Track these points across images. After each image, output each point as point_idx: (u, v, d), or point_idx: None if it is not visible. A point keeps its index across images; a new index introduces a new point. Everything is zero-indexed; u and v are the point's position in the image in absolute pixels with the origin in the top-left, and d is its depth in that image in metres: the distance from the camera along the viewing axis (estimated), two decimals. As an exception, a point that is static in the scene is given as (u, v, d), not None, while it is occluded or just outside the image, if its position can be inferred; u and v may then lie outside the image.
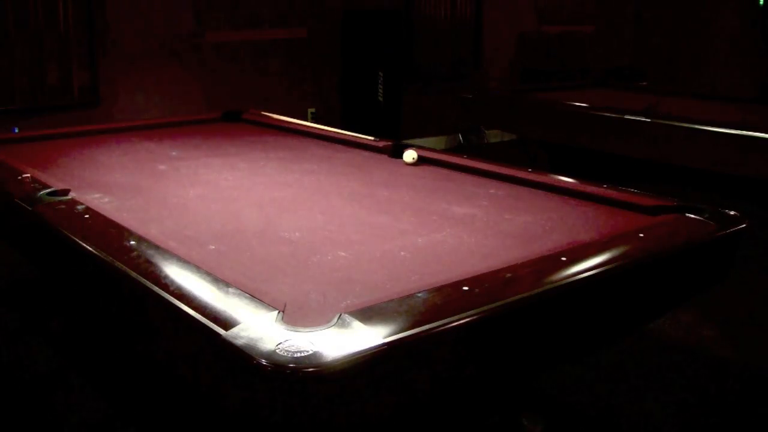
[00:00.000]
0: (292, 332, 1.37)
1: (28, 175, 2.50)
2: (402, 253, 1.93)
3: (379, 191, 2.58)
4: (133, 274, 1.70)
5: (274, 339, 1.34)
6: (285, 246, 1.99)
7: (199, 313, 1.47)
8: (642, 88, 5.95)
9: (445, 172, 2.87)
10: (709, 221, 2.14)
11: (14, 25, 5.03)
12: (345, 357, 1.30)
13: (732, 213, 2.19)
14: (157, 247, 1.84)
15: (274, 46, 6.27)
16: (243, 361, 1.31)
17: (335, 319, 1.42)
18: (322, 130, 3.59)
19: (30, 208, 2.22)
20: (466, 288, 1.60)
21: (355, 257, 1.90)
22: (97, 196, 2.41)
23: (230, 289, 1.58)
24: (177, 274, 1.69)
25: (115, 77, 5.50)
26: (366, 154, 3.17)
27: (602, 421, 2.73)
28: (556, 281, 1.71)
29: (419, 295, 1.56)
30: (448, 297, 1.57)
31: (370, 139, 3.27)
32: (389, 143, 3.16)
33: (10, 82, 5.08)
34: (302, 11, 6.37)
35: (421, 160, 2.96)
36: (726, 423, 2.74)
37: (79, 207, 2.19)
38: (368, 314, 1.45)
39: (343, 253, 1.92)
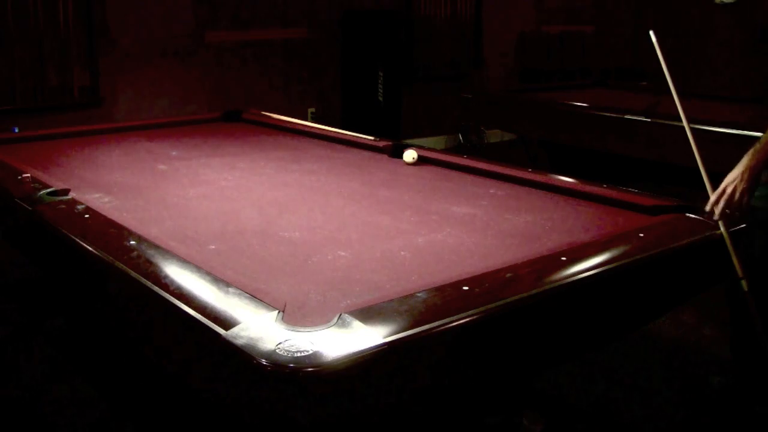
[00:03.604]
0: (292, 332, 1.38)
1: (28, 175, 2.50)
2: (402, 253, 1.93)
3: (379, 191, 2.58)
4: (133, 274, 1.70)
5: (274, 339, 1.34)
6: (285, 246, 1.99)
7: (199, 313, 1.47)
8: (642, 88, 5.95)
9: (445, 172, 2.87)
10: (709, 221, 2.14)
11: (14, 26, 5.03)
12: (345, 357, 1.30)
13: (732, 213, 2.19)
14: (157, 247, 1.84)
15: (274, 46, 6.26)
16: (243, 360, 1.31)
17: (335, 319, 1.42)
18: (322, 130, 3.59)
19: (30, 208, 2.22)
20: (466, 288, 1.60)
21: (355, 257, 1.90)
22: (97, 196, 2.41)
23: (230, 289, 1.58)
24: (177, 274, 1.69)
25: (115, 77, 5.50)
26: (366, 154, 3.17)
27: (602, 421, 2.73)
28: (556, 281, 1.71)
29: (419, 295, 1.56)
30: (448, 297, 1.57)
31: (370, 139, 3.27)
32: (389, 143, 3.16)
33: (10, 82, 5.08)
34: (302, 11, 6.36)
35: (421, 160, 2.96)
36: (726, 423, 2.74)
37: (79, 207, 2.19)
38: (368, 314, 1.45)
39: (343, 253, 1.92)
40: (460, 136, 7.48)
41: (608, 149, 4.80)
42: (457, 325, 1.46)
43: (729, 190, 2.21)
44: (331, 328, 1.40)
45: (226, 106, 4.21)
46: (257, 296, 1.54)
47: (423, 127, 7.11)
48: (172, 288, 1.60)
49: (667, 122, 4.30)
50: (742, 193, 2.22)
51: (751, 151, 2.31)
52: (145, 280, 1.66)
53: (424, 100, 7.18)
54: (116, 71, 5.50)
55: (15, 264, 3.38)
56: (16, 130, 3.62)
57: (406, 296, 1.55)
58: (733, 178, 2.25)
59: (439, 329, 1.43)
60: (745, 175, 2.25)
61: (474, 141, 7.49)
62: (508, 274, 1.71)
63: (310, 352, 1.30)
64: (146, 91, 5.65)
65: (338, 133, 3.51)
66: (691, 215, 2.20)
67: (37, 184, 2.40)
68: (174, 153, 3.15)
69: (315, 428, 1.31)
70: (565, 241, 1.98)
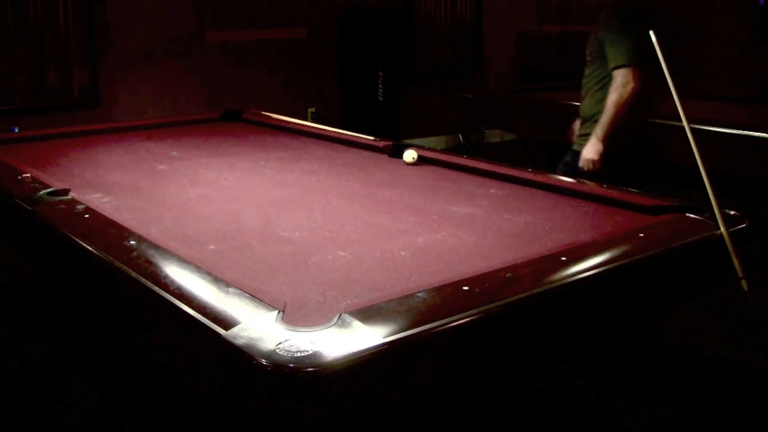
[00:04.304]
0: (292, 332, 1.38)
1: (28, 175, 2.50)
2: (402, 253, 1.93)
3: (379, 191, 2.58)
4: (133, 274, 1.70)
5: (274, 339, 1.34)
6: (285, 246, 1.99)
7: (199, 313, 1.47)
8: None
9: (445, 172, 2.87)
10: (709, 221, 2.14)
11: (14, 25, 5.03)
12: (345, 357, 1.30)
13: (732, 213, 2.19)
14: (157, 247, 1.84)
15: (274, 46, 6.26)
16: (243, 360, 1.31)
17: (335, 319, 1.42)
18: (322, 130, 3.59)
19: (30, 208, 2.22)
20: (466, 288, 1.60)
21: (355, 257, 1.90)
22: (97, 196, 2.41)
23: (230, 289, 1.58)
24: (177, 274, 1.69)
25: (115, 77, 5.50)
26: (366, 154, 3.17)
27: (601, 421, 2.73)
28: (556, 281, 1.71)
29: (419, 294, 1.56)
30: (448, 297, 1.57)
31: (370, 139, 3.27)
32: (389, 143, 3.16)
33: (10, 82, 5.08)
34: (302, 11, 6.36)
35: (421, 160, 2.96)
36: (726, 423, 2.74)
37: (79, 207, 2.19)
38: (368, 314, 1.45)
39: (343, 253, 1.92)
40: (460, 136, 7.48)
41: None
42: (457, 325, 1.46)
43: (589, 164, 3.18)
44: (331, 328, 1.39)
45: (226, 106, 4.21)
46: (257, 296, 1.54)
47: (423, 127, 7.10)
48: (172, 288, 1.60)
49: (667, 122, 4.30)
50: (593, 162, 3.17)
51: (594, 137, 3.18)
52: (145, 280, 1.66)
53: (424, 100, 7.17)
54: (116, 71, 5.50)
55: (15, 264, 3.38)
56: (16, 130, 3.62)
57: (406, 296, 1.55)
58: (586, 155, 3.19)
59: (439, 329, 1.43)
60: (596, 149, 3.18)
61: (474, 141, 7.49)
62: (508, 274, 1.71)
63: (310, 352, 1.30)
64: (146, 91, 5.65)
65: (338, 133, 3.51)
66: (691, 215, 2.20)
67: (37, 184, 2.40)
68: (174, 153, 3.15)
69: (315, 428, 1.31)
70: (565, 241, 1.98)
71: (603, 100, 3.18)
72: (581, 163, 3.20)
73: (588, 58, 3.35)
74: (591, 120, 3.30)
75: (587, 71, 3.35)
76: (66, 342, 3.27)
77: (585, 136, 3.31)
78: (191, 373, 1.62)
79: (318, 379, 1.27)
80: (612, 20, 3.17)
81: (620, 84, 3.09)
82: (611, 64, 3.14)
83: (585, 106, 3.37)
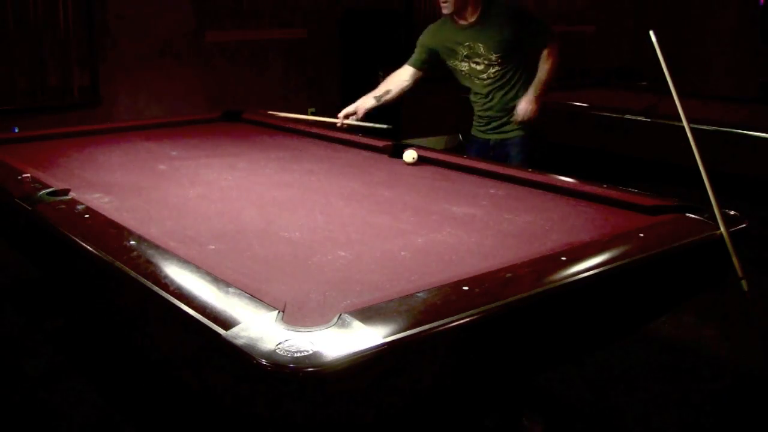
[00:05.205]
0: (292, 332, 1.38)
1: (28, 175, 2.50)
2: (402, 253, 1.93)
3: (379, 191, 2.58)
4: (133, 274, 1.70)
5: (274, 339, 1.34)
6: (285, 246, 1.99)
7: (199, 313, 1.47)
8: (642, 88, 5.95)
9: (445, 172, 2.87)
10: (709, 221, 2.14)
11: (14, 25, 5.03)
12: (345, 357, 1.30)
13: (732, 213, 2.19)
14: (157, 247, 1.84)
15: (274, 46, 6.26)
16: (243, 360, 1.31)
17: (335, 319, 1.42)
18: (322, 130, 3.59)
19: (30, 208, 2.22)
20: (466, 288, 1.60)
21: (355, 257, 1.90)
22: (97, 196, 2.41)
23: (230, 289, 1.58)
24: (177, 274, 1.69)
25: (115, 77, 5.50)
26: (366, 154, 3.17)
27: (602, 421, 2.73)
28: (556, 281, 1.71)
29: (419, 295, 1.56)
30: (448, 297, 1.57)
31: (370, 139, 3.27)
32: (389, 143, 3.16)
33: (10, 82, 5.08)
34: (302, 11, 6.36)
35: (421, 160, 2.96)
36: (726, 423, 2.74)
37: (79, 207, 2.19)
38: (368, 314, 1.45)
39: (343, 253, 1.92)
40: (460, 136, 7.47)
41: (608, 149, 4.81)
42: (457, 325, 1.46)
43: (531, 114, 3.47)
44: (331, 328, 1.39)
45: (226, 106, 4.21)
46: (257, 296, 1.54)
47: (423, 127, 7.10)
48: (172, 288, 1.60)
49: (667, 122, 4.30)
50: (535, 113, 3.47)
51: (533, 87, 3.48)
52: (145, 280, 1.66)
53: (424, 100, 7.16)
54: (116, 71, 5.50)
55: (15, 264, 3.38)
56: (16, 130, 3.62)
57: (406, 296, 1.55)
58: (528, 107, 3.47)
59: (439, 329, 1.43)
60: (537, 103, 3.48)
61: (474, 141, 7.47)
62: (508, 274, 1.71)
63: (310, 352, 1.30)
64: (146, 91, 5.65)
65: (338, 133, 3.51)
66: (691, 215, 2.20)
67: (37, 184, 2.40)
68: (174, 153, 3.15)
69: (315, 428, 1.31)
70: (565, 241, 1.98)
71: (524, 88, 3.54)
72: (524, 115, 3.48)
73: (494, 62, 3.51)
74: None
75: (495, 71, 3.53)
76: (66, 342, 3.27)
77: (509, 123, 3.60)
78: (191, 373, 1.62)
79: (318, 379, 1.27)
80: (522, 14, 3.59)
81: (558, 51, 3.51)
82: (545, 40, 3.51)
83: (505, 101, 3.58)
